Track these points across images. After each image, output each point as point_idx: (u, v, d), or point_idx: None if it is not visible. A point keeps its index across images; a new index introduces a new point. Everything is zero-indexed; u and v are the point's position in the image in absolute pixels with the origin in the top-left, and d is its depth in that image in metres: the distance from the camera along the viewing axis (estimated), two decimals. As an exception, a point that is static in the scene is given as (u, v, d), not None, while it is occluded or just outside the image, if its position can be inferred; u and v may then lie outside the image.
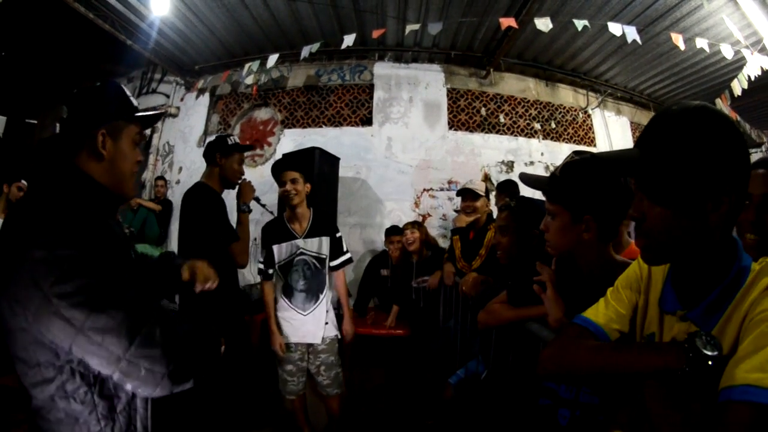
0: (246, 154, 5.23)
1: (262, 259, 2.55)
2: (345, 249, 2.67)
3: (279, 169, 2.49)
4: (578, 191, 1.17)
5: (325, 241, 2.56)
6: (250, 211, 2.42)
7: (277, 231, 2.53)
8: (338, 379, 2.58)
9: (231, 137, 2.40)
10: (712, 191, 0.69)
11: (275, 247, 2.50)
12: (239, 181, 2.41)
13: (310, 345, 2.53)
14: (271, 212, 2.76)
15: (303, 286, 2.50)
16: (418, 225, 3.75)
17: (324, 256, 2.55)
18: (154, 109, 5.82)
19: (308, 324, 2.50)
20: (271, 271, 2.52)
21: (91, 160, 1.02)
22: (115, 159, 1.04)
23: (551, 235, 1.25)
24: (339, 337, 2.63)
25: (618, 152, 0.79)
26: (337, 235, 2.64)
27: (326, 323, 2.54)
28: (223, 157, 2.34)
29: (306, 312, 2.50)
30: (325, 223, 2.62)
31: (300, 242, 2.50)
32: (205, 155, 2.40)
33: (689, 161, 0.69)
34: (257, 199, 2.55)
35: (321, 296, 2.53)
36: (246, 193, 2.41)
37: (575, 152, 1.24)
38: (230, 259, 2.24)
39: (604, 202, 1.17)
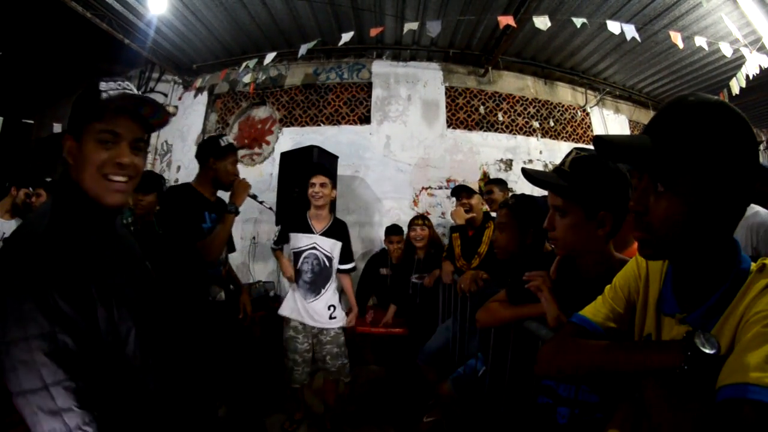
0: (244, 152, 5.30)
1: (275, 239, 3.02)
2: (353, 258, 3.04)
3: (313, 172, 2.84)
4: (594, 186, 1.15)
5: (338, 245, 2.88)
6: (237, 213, 2.27)
7: (299, 222, 2.86)
8: (344, 369, 2.89)
9: (223, 138, 2.31)
10: (728, 187, 0.68)
11: (292, 235, 2.85)
12: (232, 182, 2.32)
13: (315, 337, 2.85)
14: (270, 208, 2.73)
15: (309, 278, 2.81)
16: (426, 220, 3.71)
17: (332, 257, 2.86)
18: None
19: (310, 311, 2.80)
20: (278, 246, 2.97)
21: (69, 168, 0.98)
22: (78, 164, 0.97)
23: (561, 233, 1.21)
24: (343, 328, 2.93)
25: (627, 137, 0.76)
26: (349, 243, 2.99)
27: (332, 318, 2.84)
28: (216, 160, 2.25)
29: (308, 301, 2.80)
30: (340, 229, 2.94)
31: (316, 237, 2.82)
32: (198, 157, 2.31)
33: (711, 154, 0.67)
34: (254, 196, 2.45)
35: (322, 291, 2.82)
36: (239, 193, 2.29)
37: (578, 149, 1.23)
38: (197, 259, 2.12)
39: (620, 197, 1.16)
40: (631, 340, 0.91)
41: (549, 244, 1.81)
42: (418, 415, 3.01)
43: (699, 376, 0.63)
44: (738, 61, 4.43)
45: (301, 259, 2.82)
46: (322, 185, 2.77)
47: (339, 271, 2.93)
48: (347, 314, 2.98)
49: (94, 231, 0.98)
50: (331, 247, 2.85)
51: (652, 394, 0.69)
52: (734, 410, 0.56)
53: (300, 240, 2.82)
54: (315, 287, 2.81)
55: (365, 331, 3.66)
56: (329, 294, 2.85)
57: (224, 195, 2.36)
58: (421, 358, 3.00)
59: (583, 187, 1.15)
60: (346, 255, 2.96)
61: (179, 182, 5.29)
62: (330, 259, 2.85)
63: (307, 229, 2.83)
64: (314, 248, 2.81)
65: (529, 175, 1.23)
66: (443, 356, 2.88)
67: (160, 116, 1.05)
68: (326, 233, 2.84)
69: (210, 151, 2.25)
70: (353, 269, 3.04)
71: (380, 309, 3.93)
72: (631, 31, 3.69)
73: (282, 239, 2.93)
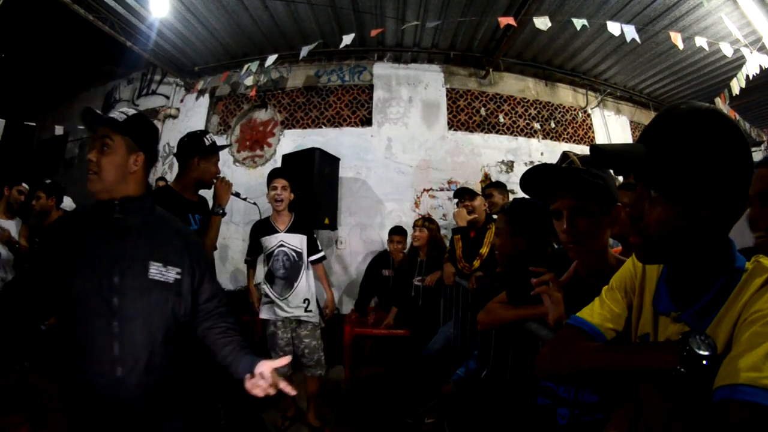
0: (246, 154, 5.31)
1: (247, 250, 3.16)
2: (320, 248, 3.20)
3: (273, 176, 3.00)
4: (608, 180, 1.15)
5: (303, 238, 3.06)
6: (223, 214, 2.22)
7: (264, 227, 3.03)
8: (320, 362, 3.05)
9: (207, 136, 2.19)
10: (721, 192, 0.69)
11: (263, 239, 3.01)
12: (215, 181, 2.24)
13: (294, 330, 3.00)
14: (253, 203, 2.71)
15: (282, 274, 2.98)
16: (428, 222, 3.72)
17: (301, 251, 3.04)
18: (155, 111, 5.84)
19: (286, 307, 2.96)
20: (250, 258, 3.15)
21: None
22: None
23: (588, 234, 1.16)
24: (321, 325, 3.14)
25: (622, 146, 0.77)
26: (314, 235, 3.17)
27: (309, 310, 3.01)
28: (202, 159, 2.14)
29: (282, 298, 2.96)
30: (303, 224, 3.10)
31: (282, 235, 3.00)
32: (179, 156, 2.17)
33: (703, 160, 0.68)
34: (237, 194, 2.42)
35: (295, 284, 2.99)
36: (222, 194, 2.23)
37: (570, 152, 1.23)
38: None
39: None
40: (628, 340, 0.91)
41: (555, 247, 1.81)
42: (419, 416, 3.02)
43: (695, 378, 0.63)
44: (738, 62, 4.43)
45: (271, 260, 2.99)
46: (284, 188, 2.96)
47: (312, 262, 3.11)
48: (322, 311, 3.16)
49: (88, 214, 1.32)
50: (299, 241, 3.03)
51: (649, 395, 0.69)
52: (730, 411, 0.56)
53: (268, 242, 3.00)
54: (288, 282, 2.97)
55: (367, 332, 3.67)
56: (303, 287, 3.00)
57: (205, 193, 2.29)
58: (422, 359, 3.01)
59: (606, 183, 1.15)
60: (313, 246, 3.12)
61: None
62: (299, 253, 3.03)
63: (273, 231, 3.00)
64: (282, 245, 2.99)
65: (559, 173, 1.17)
66: (444, 357, 2.88)
67: (100, 119, 1.31)
68: (291, 230, 3.02)
69: (195, 150, 2.14)
70: (323, 258, 3.22)
71: (382, 310, 3.94)
72: (631, 32, 3.69)
73: (253, 249, 3.10)
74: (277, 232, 2.99)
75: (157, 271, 1.28)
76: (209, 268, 1.46)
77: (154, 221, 1.37)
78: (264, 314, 3.00)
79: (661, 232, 0.73)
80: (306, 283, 3.03)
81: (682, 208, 0.70)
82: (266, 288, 3.00)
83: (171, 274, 1.30)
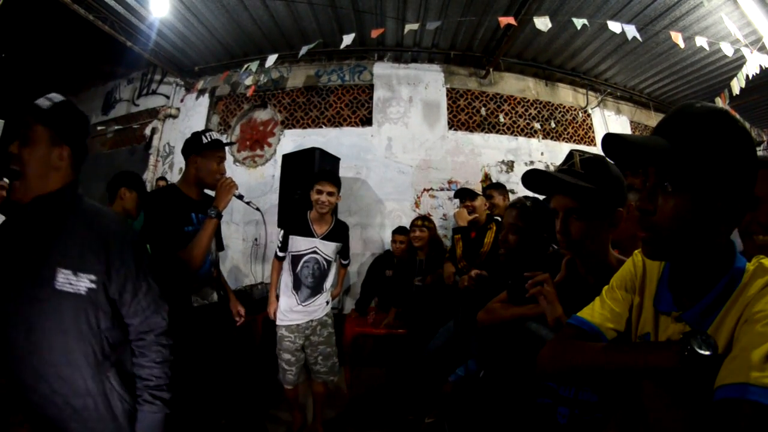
0: (246, 154, 5.32)
1: (279, 243, 2.82)
2: (349, 255, 3.15)
3: (321, 177, 2.71)
4: (611, 185, 1.15)
5: (338, 246, 2.86)
6: (219, 217, 2.03)
7: (299, 225, 2.78)
8: (334, 368, 2.88)
9: (208, 134, 2.09)
10: (735, 189, 0.70)
11: (294, 238, 2.75)
12: (217, 181, 2.10)
13: (307, 339, 2.79)
14: (257, 208, 2.41)
15: (310, 283, 2.76)
16: (427, 222, 3.71)
17: (331, 259, 2.83)
18: (155, 111, 5.83)
19: (304, 312, 2.77)
20: (282, 254, 2.81)
21: None
22: None
23: (579, 236, 1.17)
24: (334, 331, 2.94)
25: (642, 137, 0.76)
26: (348, 242, 3.00)
27: (325, 316, 2.86)
28: (197, 156, 2.05)
29: (305, 304, 2.76)
30: (341, 231, 2.90)
31: (317, 242, 2.77)
32: (183, 153, 2.13)
33: (723, 157, 0.69)
34: (240, 197, 2.24)
35: (323, 291, 2.82)
36: (222, 195, 2.06)
37: (577, 151, 1.23)
38: (180, 268, 1.92)
39: (624, 195, 1.18)
40: (629, 340, 0.91)
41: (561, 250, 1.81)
42: (419, 416, 3.02)
43: (696, 377, 0.64)
44: (738, 62, 4.43)
45: (300, 264, 2.74)
46: (330, 194, 2.69)
47: (343, 265, 3.14)
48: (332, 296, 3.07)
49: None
50: (332, 250, 2.81)
51: (650, 395, 0.69)
52: (732, 410, 0.56)
53: (300, 243, 2.74)
54: (316, 290, 2.78)
55: (366, 332, 3.66)
56: (325, 294, 2.85)
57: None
58: (422, 359, 3.00)
59: (604, 187, 1.14)
60: (345, 252, 3.02)
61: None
62: (329, 262, 2.81)
63: (308, 233, 2.75)
64: (315, 252, 2.75)
65: (547, 178, 1.19)
66: (444, 357, 2.88)
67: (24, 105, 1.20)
68: (328, 237, 2.79)
69: (192, 147, 2.07)
70: (349, 264, 3.27)
71: (382, 311, 3.94)
72: (632, 31, 3.70)
73: (287, 245, 2.78)
74: (312, 236, 2.75)
75: (65, 279, 1.09)
76: (140, 274, 1.23)
77: (73, 218, 1.18)
78: (281, 320, 2.77)
79: (674, 226, 0.73)
80: (329, 287, 2.89)
81: (699, 202, 0.71)
82: (290, 294, 2.76)
83: (83, 283, 1.12)
